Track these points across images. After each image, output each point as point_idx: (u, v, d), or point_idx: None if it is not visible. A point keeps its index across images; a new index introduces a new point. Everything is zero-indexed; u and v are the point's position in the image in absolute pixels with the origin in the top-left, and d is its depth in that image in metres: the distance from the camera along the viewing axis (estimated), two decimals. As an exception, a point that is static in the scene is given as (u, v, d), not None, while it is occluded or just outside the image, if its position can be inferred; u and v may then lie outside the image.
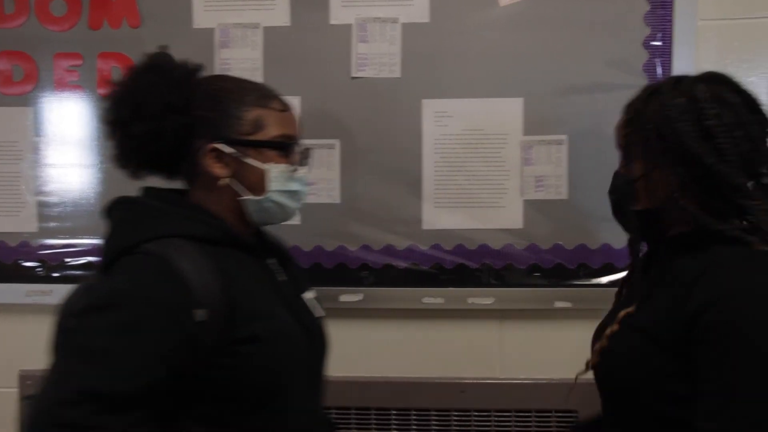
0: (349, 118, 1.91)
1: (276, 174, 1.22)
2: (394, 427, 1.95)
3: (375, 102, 1.90)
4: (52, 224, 2.00)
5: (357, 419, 1.96)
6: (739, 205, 1.12)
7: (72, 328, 1.08)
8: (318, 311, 1.36)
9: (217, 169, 1.20)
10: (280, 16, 1.91)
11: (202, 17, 1.93)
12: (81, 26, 1.95)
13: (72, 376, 1.02)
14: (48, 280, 2.00)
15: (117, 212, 1.22)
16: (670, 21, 1.83)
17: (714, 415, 1.02)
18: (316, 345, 1.30)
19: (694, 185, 1.13)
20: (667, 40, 1.83)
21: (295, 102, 1.89)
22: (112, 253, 1.14)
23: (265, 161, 1.21)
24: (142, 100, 1.17)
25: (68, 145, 1.99)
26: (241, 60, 1.92)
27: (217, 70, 1.91)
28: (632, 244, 1.25)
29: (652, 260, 1.25)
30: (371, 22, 1.88)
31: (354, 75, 1.90)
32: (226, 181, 1.21)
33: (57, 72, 1.97)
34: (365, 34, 1.89)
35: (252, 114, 1.21)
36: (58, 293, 1.95)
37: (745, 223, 1.13)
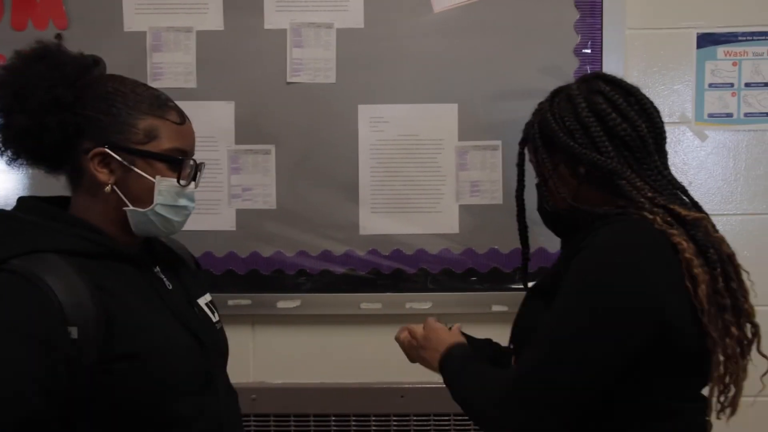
0: (284, 124, 1.89)
1: (163, 188, 1.16)
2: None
3: (311, 107, 1.89)
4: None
5: (296, 426, 1.94)
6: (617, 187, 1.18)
7: None
8: (214, 316, 1.31)
9: (102, 175, 1.13)
10: (213, 20, 1.89)
11: (133, 20, 1.89)
12: (3, 26, 1.88)
13: None
14: None
15: None
16: (600, 29, 1.87)
17: (537, 336, 1.12)
18: (211, 352, 1.23)
19: (585, 179, 1.21)
20: (597, 47, 1.88)
21: (229, 107, 1.88)
22: None
23: (153, 173, 1.15)
24: (26, 91, 1.09)
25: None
26: (173, 64, 1.88)
27: (150, 74, 1.87)
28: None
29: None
30: (306, 27, 1.88)
31: (289, 80, 1.89)
32: (111, 187, 1.14)
33: (-21, 74, 1.89)
34: (300, 39, 1.88)
35: (146, 123, 1.15)
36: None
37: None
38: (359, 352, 1.97)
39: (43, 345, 1.01)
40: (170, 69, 1.88)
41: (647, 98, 1.23)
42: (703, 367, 1.14)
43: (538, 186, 1.31)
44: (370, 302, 1.92)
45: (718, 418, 1.16)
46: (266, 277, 1.93)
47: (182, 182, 1.18)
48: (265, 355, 1.98)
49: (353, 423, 1.94)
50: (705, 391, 1.16)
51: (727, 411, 1.15)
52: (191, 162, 1.20)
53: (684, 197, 1.23)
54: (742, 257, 1.17)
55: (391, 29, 1.88)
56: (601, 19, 1.87)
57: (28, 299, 1.02)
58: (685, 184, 1.87)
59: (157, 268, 1.24)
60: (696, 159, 1.93)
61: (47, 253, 1.07)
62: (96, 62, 1.19)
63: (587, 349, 1.06)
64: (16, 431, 0.97)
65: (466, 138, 1.89)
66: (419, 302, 1.91)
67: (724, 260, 1.13)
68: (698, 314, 1.08)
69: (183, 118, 1.20)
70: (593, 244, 1.10)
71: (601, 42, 1.88)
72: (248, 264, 1.93)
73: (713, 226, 1.18)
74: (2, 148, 1.15)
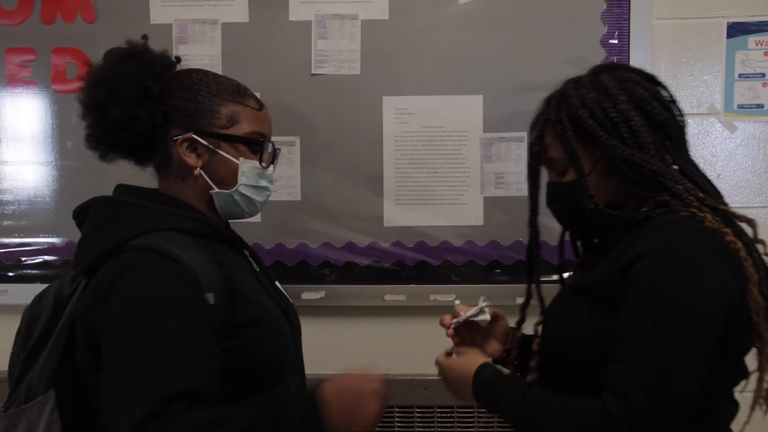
0: (309, 115, 1.90)
1: (246, 168, 1.24)
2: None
3: (335, 99, 1.89)
4: (6, 223, 1.96)
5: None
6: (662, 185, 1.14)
7: (124, 342, 1.07)
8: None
9: (191, 159, 1.22)
10: (238, 12, 1.89)
11: (159, 12, 1.90)
12: (33, 20, 1.92)
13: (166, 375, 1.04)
14: (3, 279, 1.96)
15: (96, 212, 1.21)
16: (627, 19, 1.85)
17: (622, 357, 1.05)
18: (295, 329, 1.32)
19: (625, 174, 1.16)
20: (624, 38, 1.85)
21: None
22: (97, 253, 1.13)
23: (237, 156, 1.24)
24: (119, 85, 1.18)
25: (22, 142, 1.95)
26: (199, 56, 1.89)
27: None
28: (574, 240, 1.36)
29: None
30: (330, 19, 1.88)
31: (314, 72, 1.89)
32: (199, 171, 1.22)
33: (9, 67, 1.92)
34: (324, 31, 1.88)
35: (228, 109, 1.23)
36: (13, 293, 1.93)
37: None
38: (383, 344, 1.97)
39: (192, 311, 1.08)
40: (196, 61, 1.89)
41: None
42: (742, 367, 1.14)
43: (568, 184, 1.21)
44: (394, 294, 1.92)
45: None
46: (290, 268, 1.94)
47: (263, 164, 1.26)
48: (289, 346, 2.00)
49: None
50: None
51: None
52: (270, 145, 1.29)
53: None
54: (772, 250, 1.16)
55: (416, 20, 1.88)
56: (629, 9, 1.85)
57: (168, 270, 1.09)
58: (714, 176, 1.86)
59: (246, 252, 1.33)
60: (725, 151, 1.90)
61: (164, 231, 1.15)
62: (178, 59, 1.30)
63: (692, 368, 1.04)
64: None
65: (491, 130, 1.88)
66: (443, 294, 1.91)
67: (765, 263, 1.12)
68: (750, 314, 1.06)
69: (261, 105, 1.30)
70: (655, 248, 1.06)
71: (629, 32, 1.85)
72: (273, 255, 1.94)
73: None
74: (96, 142, 1.24)
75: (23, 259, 1.96)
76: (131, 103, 1.18)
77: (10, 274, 1.96)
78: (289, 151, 1.90)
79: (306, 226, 1.93)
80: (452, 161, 1.89)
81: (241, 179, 1.24)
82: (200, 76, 1.26)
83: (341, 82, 1.89)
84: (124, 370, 1.05)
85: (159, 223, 1.16)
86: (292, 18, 1.89)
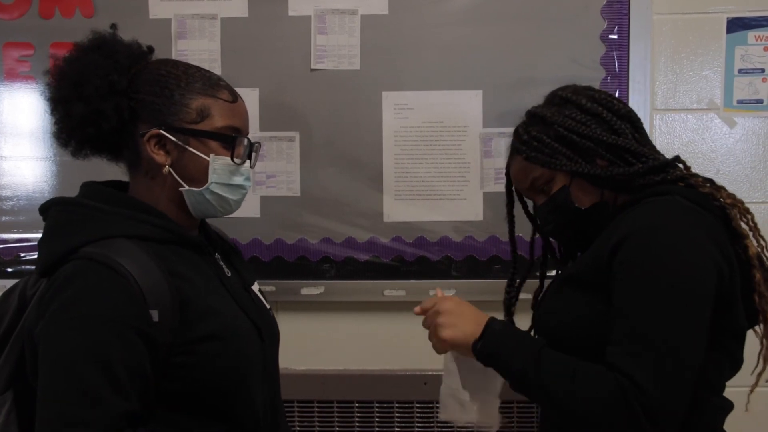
0: (308, 111, 1.89)
1: (218, 166, 1.18)
2: (357, 419, 1.96)
3: (335, 94, 1.89)
4: (5, 218, 1.96)
5: (320, 412, 1.95)
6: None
7: (52, 359, 1.03)
8: (266, 303, 1.35)
9: (159, 157, 1.16)
10: (238, 7, 1.89)
11: (158, 7, 1.90)
12: (32, 15, 1.91)
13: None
14: (2, 275, 1.96)
15: (54, 213, 1.16)
16: (627, 15, 1.85)
17: (620, 339, 1.06)
18: (267, 340, 1.26)
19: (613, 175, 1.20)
20: (624, 33, 1.85)
21: (253, 94, 1.88)
22: (51, 258, 1.09)
23: (207, 152, 1.17)
24: (84, 79, 1.13)
25: (21, 138, 1.95)
26: (198, 51, 1.89)
27: (174, 61, 1.88)
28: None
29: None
30: (330, 14, 1.87)
31: (313, 67, 1.88)
32: (168, 168, 1.16)
33: (7, 62, 1.92)
34: (324, 26, 1.88)
35: (198, 102, 1.17)
36: (11, 289, 1.93)
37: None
38: (383, 339, 1.97)
39: (129, 329, 1.03)
40: (195, 56, 1.88)
41: None
42: (734, 356, 1.15)
43: (558, 193, 1.24)
44: (394, 289, 1.92)
45: None
46: (290, 263, 1.94)
47: (236, 160, 1.19)
48: (288, 342, 1.97)
49: (376, 409, 1.95)
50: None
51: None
52: (245, 140, 1.21)
53: None
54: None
55: (416, 15, 1.87)
56: (629, 5, 1.85)
57: (110, 285, 1.04)
58: (713, 171, 1.89)
59: (217, 255, 1.27)
60: (724, 146, 1.90)
61: (118, 239, 1.09)
62: (150, 50, 1.24)
63: (695, 340, 1.05)
64: (113, 419, 1.00)
65: (490, 125, 1.88)
66: (443, 290, 1.90)
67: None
68: (744, 290, 1.10)
69: (235, 97, 1.22)
70: (640, 228, 1.09)
71: (628, 27, 1.85)
72: (272, 251, 1.93)
73: None
74: (66, 139, 1.19)
75: (22, 254, 1.96)
76: (96, 98, 1.13)
77: (9, 269, 1.96)
78: (289, 146, 1.90)
79: (305, 221, 1.92)
80: (452, 156, 1.89)
81: (212, 177, 1.17)
82: (169, 67, 1.20)
83: (341, 77, 1.88)
84: (56, 390, 1.00)
85: (114, 229, 1.10)
86: (291, 13, 1.88)
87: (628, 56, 1.85)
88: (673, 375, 1.03)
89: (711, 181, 1.20)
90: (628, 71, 1.86)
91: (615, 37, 1.86)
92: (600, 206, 1.22)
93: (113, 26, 1.24)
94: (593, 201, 1.22)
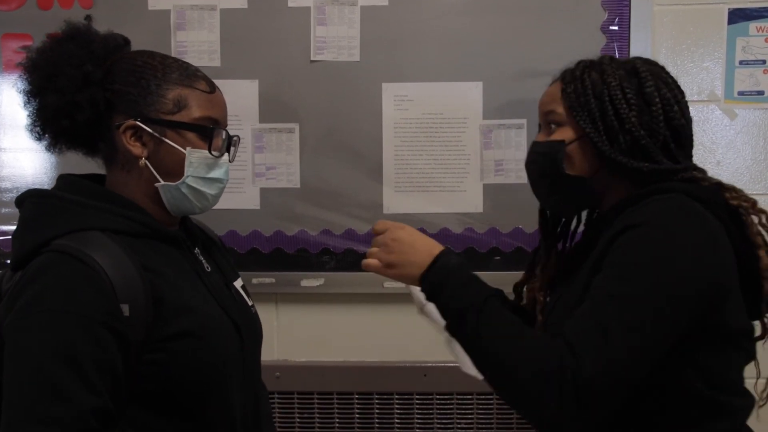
0: (308, 102, 1.89)
1: (195, 159, 1.14)
2: (357, 411, 1.96)
3: (334, 86, 1.88)
4: (5, 210, 1.96)
5: (320, 403, 1.96)
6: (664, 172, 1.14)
7: (19, 355, 1.00)
8: (249, 300, 1.31)
9: (135, 149, 1.13)
10: (237, -3, 1.88)
11: (157, -2, 1.89)
12: (30, 6, 1.90)
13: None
14: (2, 267, 1.95)
15: (29, 205, 1.13)
16: (627, 6, 1.84)
17: (579, 315, 1.02)
18: (247, 337, 1.22)
19: (622, 154, 1.14)
20: (624, 24, 1.85)
21: (253, 86, 1.88)
22: (23, 250, 1.07)
23: (184, 144, 1.14)
24: (57, 70, 1.10)
25: (20, 129, 1.93)
26: (197, 43, 1.88)
27: (174, 52, 1.87)
28: (543, 215, 1.31)
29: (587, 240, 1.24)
30: (330, 5, 1.87)
31: (313, 58, 1.88)
32: (144, 161, 1.13)
33: (6, 53, 1.91)
34: (324, 17, 1.87)
35: (174, 92, 1.14)
36: (11, 281, 1.93)
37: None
38: (382, 331, 1.98)
39: (98, 324, 1.00)
40: (194, 47, 1.88)
41: None
42: (746, 350, 1.12)
43: (553, 142, 1.18)
44: (394, 281, 1.92)
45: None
46: (290, 255, 1.94)
47: (214, 153, 1.16)
48: (288, 334, 2.00)
49: (376, 401, 1.96)
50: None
51: None
52: (223, 132, 1.18)
53: None
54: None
55: (416, 6, 1.87)
56: (629, -4, 1.85)
57: (80, 278, 1.02)
58: (713, 163, 1.89)
59: (197, 250, 1.24)
60: (725, 138, 1.90)
61: (92, 232, 1.07)
62: (126, 41, 1.20)
63: (652, 343, 1.00)
64: (80, 413, 0.97)
65: (490, 116, 1.88)
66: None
67: None
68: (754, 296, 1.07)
69: (213, 87, 1.19)
70: (644, 222, 1.05)
71: (629, 19, 1.85)
72: (272, 243, 1.93)
73: None
74: (40, 132, 1.16)
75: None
76: (71, 90, 1.10)
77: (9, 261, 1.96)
78: (288, 138, 1.90)
79: (305, 213, 1.92)
80: (452, 148, 1.89)
81: (188, 170, 1.14)
82: (146, 58, 1.16)
83: (340, 68, 1.88)
84: (22, 387, 0.97)
85: (87, 222, 1.07)
86: (291, 4, 1.88)
87: (629, 47, 1.84)
88: (616, 362, 0.98)
89: (720, 183, 1.15)
90: (628, 62, 1.85)
91: (616, 28, 1.85)
92: (581, 182, 1.17)
93: (87, 18, 1.22)
94: (581, 172, 1.17)
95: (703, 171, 1.17)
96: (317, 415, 1.96)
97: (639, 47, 1.83)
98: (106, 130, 1.14)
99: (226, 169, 1.20)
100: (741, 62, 1.87)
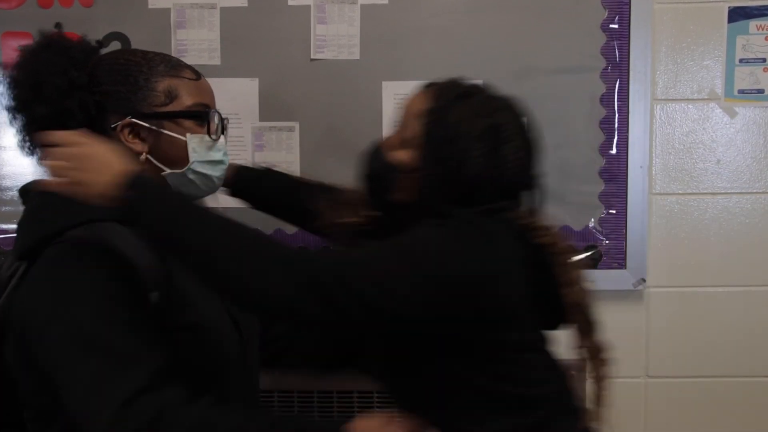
0: (308, 101, 1.89)
1: (196, 144, 1.17)
2: (357, 410, 1.96)
3: (334, 84, 1.88)
4: (5, 209, 1.96)
5: (320, 403, 1.96)
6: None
7: (69, 340, 1.01)
8: None
9: (135, 146, 1.14)
10: (237, -5, 1.88)
11: (157, -4, 1.89)
12: (30, 4, 1.90)
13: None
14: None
15: (36, 195, 1.14)
16: (628, 4, 1.84)
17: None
18: (245, 335, 1.24)
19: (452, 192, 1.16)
20: (624, 22, 1.84)
21: (253, 84, 1.88)
22: (32, 240, 1.08)
23: (183, 132, 1.16)
24: (41, 80, 1.10)
25: (20, 128, 1.94)
26: (197, 41, 1.88)
27: (174, 51, 1.87)
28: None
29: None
30: (330, 3, 1.86)
31: (313, 57, 1.88)
32: (145, 156, 1.15)
33: (6, 52, 1.91)
34: (324, 16, 1.87)
35: (164, 84, 1.15)
36: (12, 279, 1.93)
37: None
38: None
39: (133, 309, 1.02)
40: (194, 46, 1.88)
41: None
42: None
43: (383, 162, 1.27)
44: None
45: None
46: (290, 254, 1.94)
47: (213, 136, 1.18)
48: (289, 332, 1.99)
49: (376, 400, 1.95)
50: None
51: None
52: (216, 114, 1.20)
53: None
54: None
55: (416, 5, 1.86)
56: (629, -6, 1.84)
57: (108, 267, 1.03)
58: (713, 161, 1.88)
59: None
60: (725, 136, 1.89)
61: (105, 222, 1.07)
62: (100, 44, 1.21)
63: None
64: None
65: (490, 115, 1.87)
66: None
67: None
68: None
69: (198, 75, 1.21)
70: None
71: (629, 17, 1.84)
72: (272, 241, 1.93)
73: None
74: (32, 146, 1.16)
75: (22, 245, 1.95)
76: (58, 98, 1.10)
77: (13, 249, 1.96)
78: (289, 136, 1.90)
79: (305, 211, 1.92)
80: (452, 147, 1.89)
81: (193, 156, 1.16)
82: (128, 55, 1.18)
83: (341, 67, 1.88)
84: (88, 365, 0.98)
85: (102, 212, 1.05)
86: (291, 2, 1.87)
87: (629, 46, 1.84)
88: (347, 272, 1.03)
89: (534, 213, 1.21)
90: (628, 61, 1.85)
91: (615, 26, 1.85)
92: (403, 205, 1.22)
93: (58, 25, 1.23)
94: (404, 198, 1.21)
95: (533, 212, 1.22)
96: (317, 414, 1.96)
97: (639, 45, 1.83)
98: (101, 134, 1.13)
99: (225, 150, 1.22)
100: (741, 60, 1.86)
